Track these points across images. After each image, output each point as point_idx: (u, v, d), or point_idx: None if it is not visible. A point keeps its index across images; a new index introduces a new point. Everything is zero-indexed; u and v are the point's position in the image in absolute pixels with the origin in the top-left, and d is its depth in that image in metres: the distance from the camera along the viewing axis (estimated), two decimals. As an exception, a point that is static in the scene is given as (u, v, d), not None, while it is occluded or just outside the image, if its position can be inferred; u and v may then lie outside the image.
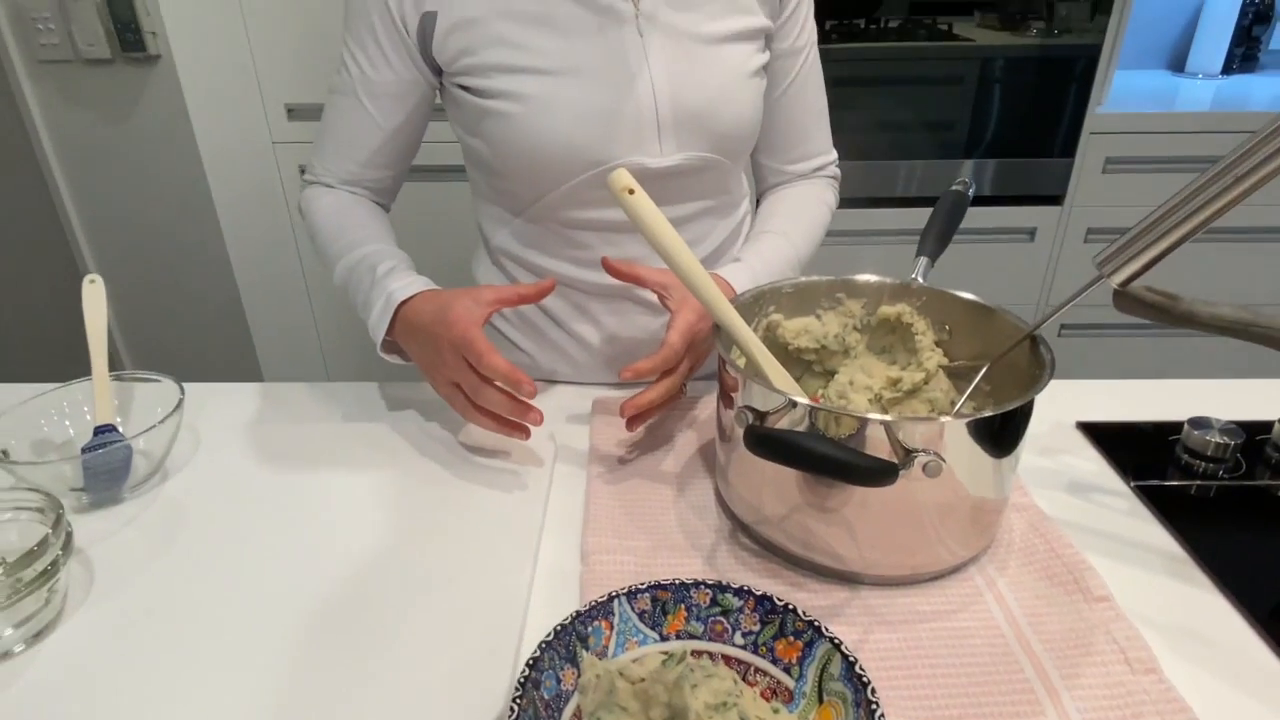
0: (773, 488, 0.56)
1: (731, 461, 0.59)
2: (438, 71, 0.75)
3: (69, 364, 2.07)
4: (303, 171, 2.08)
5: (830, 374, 0.70)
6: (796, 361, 0.70)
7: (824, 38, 1.86)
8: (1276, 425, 0.68)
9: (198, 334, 1.95)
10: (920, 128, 1.98)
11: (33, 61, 1.68)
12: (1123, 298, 0.55)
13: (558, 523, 0.62)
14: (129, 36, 1.62)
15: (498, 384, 0.65)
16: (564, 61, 0.70)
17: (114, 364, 2.00)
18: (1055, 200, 2.02)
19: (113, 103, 1.72)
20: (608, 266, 0.70)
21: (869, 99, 1.94)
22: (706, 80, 0.73)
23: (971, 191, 0.76)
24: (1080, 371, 1.89)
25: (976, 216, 2.05)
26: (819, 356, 0.69)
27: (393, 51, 0.73)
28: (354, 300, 0.76)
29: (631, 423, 0.68)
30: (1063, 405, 0.73)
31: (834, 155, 0.91)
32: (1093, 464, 0.67)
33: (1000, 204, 2.03)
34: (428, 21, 0.70)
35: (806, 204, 0.86)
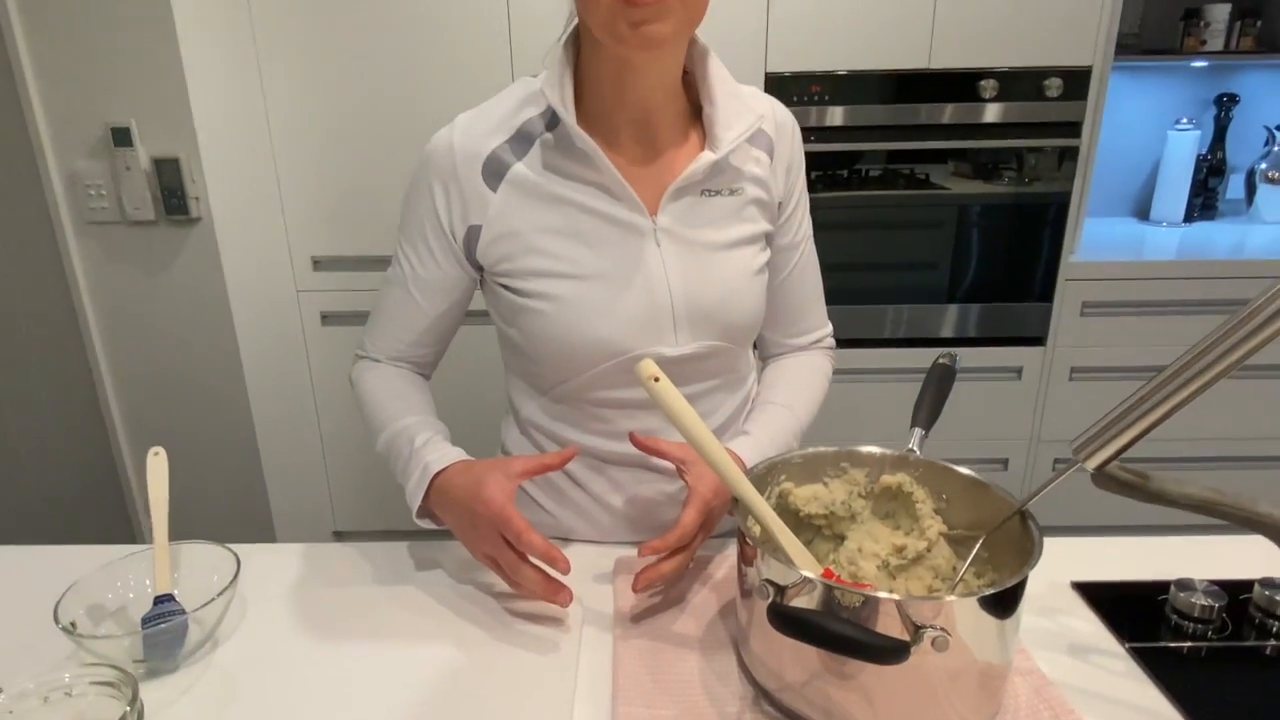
0: (793, 655, 0.60)
1: (752, 628, 0.64)
2: (479, 268, 0.84)
3: (91, 518, 2.08)
4: (324, 319, 2.19)
5: (839, 538, 0.75)
6: (807, 526, 0.75)
7: (810, 187, 2.00)
8: (1256, 586, 0.72)
9: (212, 478, 1.99)
10: (905, 273, 2.11)
11: (81, 223, 1.81)
12: (1100, 477, 0.61)
13: (588, 687, 0.66)
14: (174, 201, 1.76)
15: (533, 559, 0.70)
16: (592, 268, 0.79)
17: (130, 509, 2.00)
18: (1038, 341, 2.13)
19: (152, 259, 1.84)
20: (635, 442, 0.77)
21: (856, 245, 2.08)
22: (716, 281, 0.82)
23: (956, 364, 0.84)
24: (1081, 507, 1.93)
25: (966, 357, 2.16)
26: (828, 521, 0.75)
27: (440, 253, 0.83)
28: (393, 468, 0.83)
29: (641, 590, 0.73)
30: (1057, 564, 0.78)
31: (829, 328, 1.00)
32: (1089, 624, 0.72)
33: (987, 345, 2.14)
34: (473, 233, 0.81)
35: (807, 375, 0.95)
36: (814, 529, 0.75)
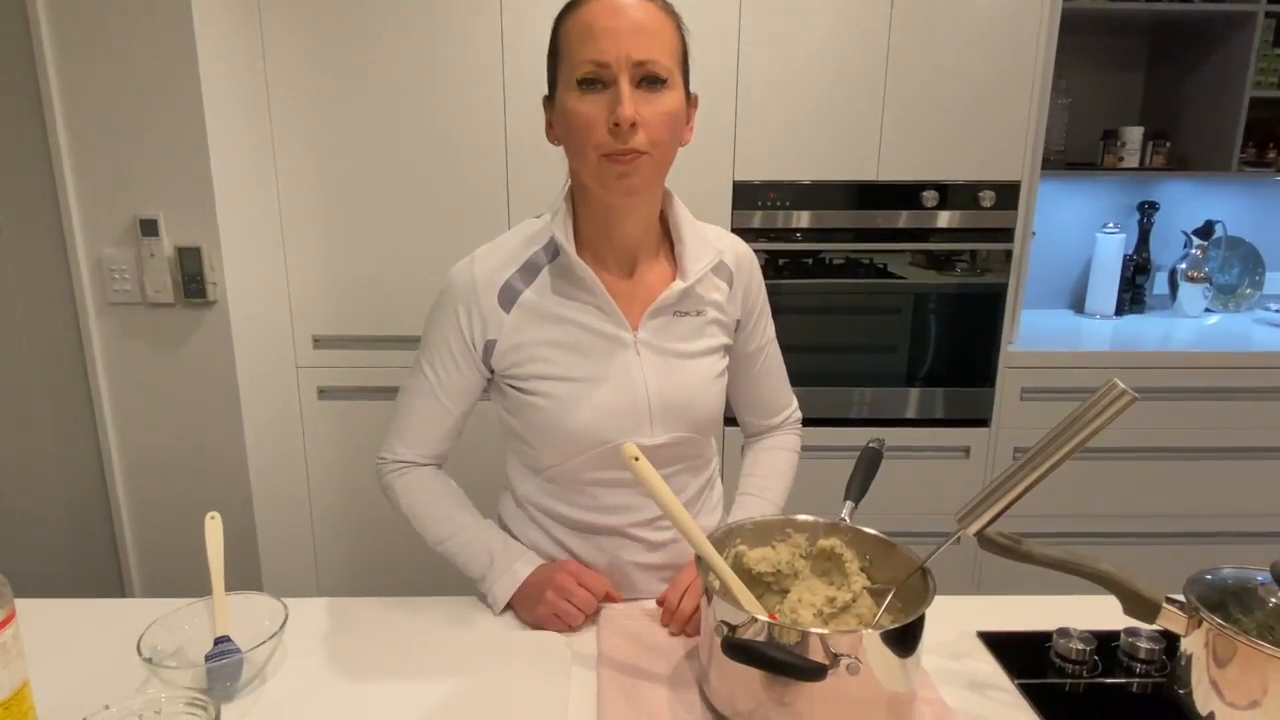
0: (743, 686, 0.74)
1: (712, 665, 0.78)
2: (491, 371, 1.01)
3: (83, 575, 2.16)
4: (320, 393, 2.32)
5: (785, 592, 0.90)
6: (759, 582, 0.90)
7: (777, 273, 2.24)
8: (1123, 635, 0.89)
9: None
10: (867, 356, 2.29)
11: (103, 303, 1.96)
12: (982, 540, 0.78)
13: (577, 715, 0.79)
14: (193, 286, 1.92)
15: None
16: (584, 372, 0.97)
17: (123, 568, 2.08)
18: (984, 423, 2.32)
19: (167, 338, 1.98)
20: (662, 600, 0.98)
21: (822, 328, 2.26)
22: (684, 384, 1.00)
23: (884, 448, 1.01)
24: (1001, 567, 2.10)
25: (920, 436, 2.34)
26: (775, 578, 0.90)
27: (464, 363, 1.00)
28: (462, 565, 1.02)
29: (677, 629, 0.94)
30: (966, 617, 0.94)
31: (794, 404, 1.19)
32: (988, 665, 0.87)
33: (938, 425, 2.33)
34: (490, 345, 0.98)
35: (780, 461, 1.14)
36: (764, 585, 0.91)
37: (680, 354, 1.01)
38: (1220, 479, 2.33)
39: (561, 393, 0.97)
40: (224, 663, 0.78)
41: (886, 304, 2.29)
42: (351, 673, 0.86)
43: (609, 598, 0.99)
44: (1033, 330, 2.47)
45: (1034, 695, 0.82)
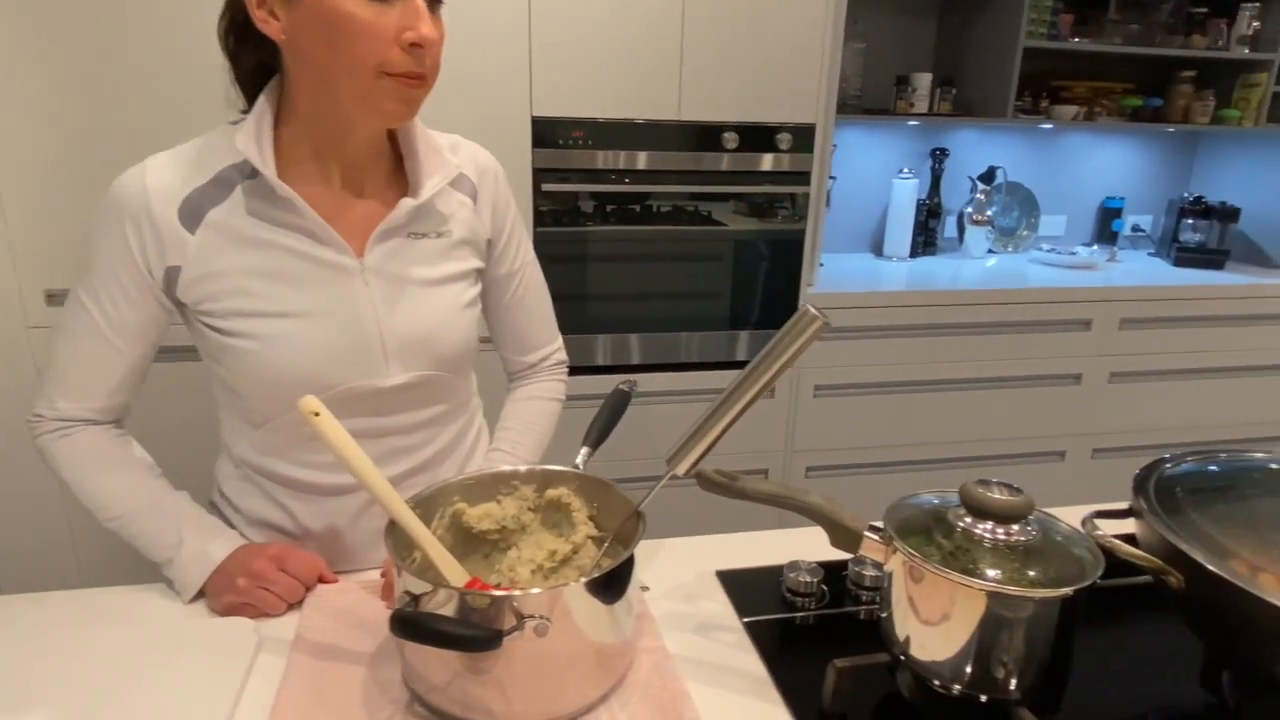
0: (436, 660, 0.66)
1: (404, 641, 0.70)
2: (179, 304, 0.85)
3: None
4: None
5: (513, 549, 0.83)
6: (484, 541, 0.82)
7: (604, 219, 2.16)
8: (850, 564, 0.88)
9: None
10: (693, 302, 2.26)
11: None
12: (700, 479, 0.73)
13: (250, 708, 0.69)
14: None
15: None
16: (296, 306, 0.83)
17: None
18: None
19: None
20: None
21: (650, 276, 2.19)
22: (425, 316, 0.89)
23: (634, 390, 0.95)
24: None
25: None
26: (502, 535, 0.82)
27: (138, 294, 0.82)
28: (143, 547, 0.87)
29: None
30: (705, 557, 0.91)
31: (558, 343, 1.10)
32: (720, 606, 0.84)
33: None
34: (172, 273, 0.82)
35: (534, 412, 1.06)
36: (490, 543, 0.83)
37: (419, 281, 0.89)
38: (1003, 406, 2.52)
39: (270, 331, 0.82)
40: None
41: (708, 251, 2.27)
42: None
43: (322, 579, 0.87)
44: (834, 273, 2.55)
45: (758, 632, 0.80)
